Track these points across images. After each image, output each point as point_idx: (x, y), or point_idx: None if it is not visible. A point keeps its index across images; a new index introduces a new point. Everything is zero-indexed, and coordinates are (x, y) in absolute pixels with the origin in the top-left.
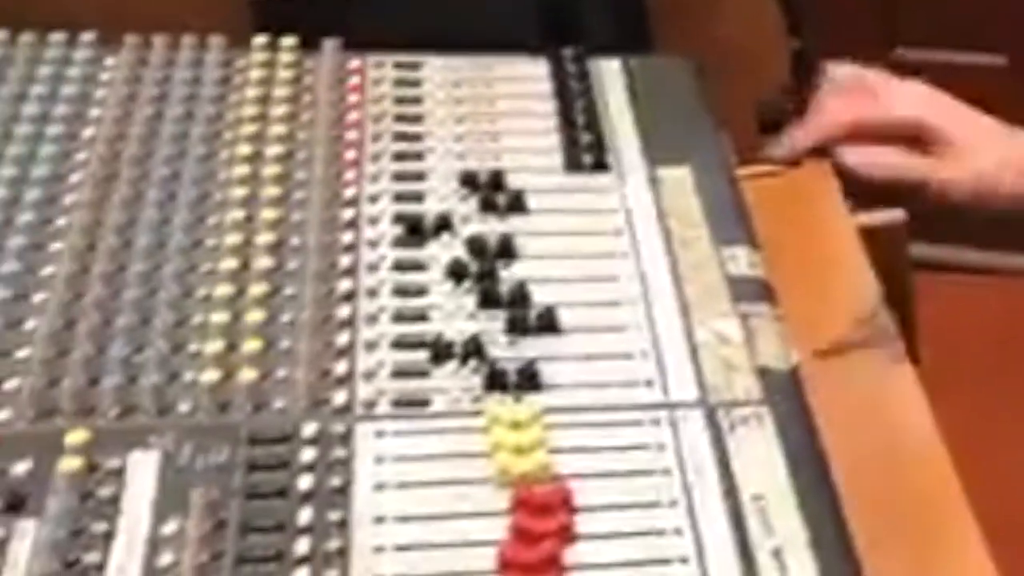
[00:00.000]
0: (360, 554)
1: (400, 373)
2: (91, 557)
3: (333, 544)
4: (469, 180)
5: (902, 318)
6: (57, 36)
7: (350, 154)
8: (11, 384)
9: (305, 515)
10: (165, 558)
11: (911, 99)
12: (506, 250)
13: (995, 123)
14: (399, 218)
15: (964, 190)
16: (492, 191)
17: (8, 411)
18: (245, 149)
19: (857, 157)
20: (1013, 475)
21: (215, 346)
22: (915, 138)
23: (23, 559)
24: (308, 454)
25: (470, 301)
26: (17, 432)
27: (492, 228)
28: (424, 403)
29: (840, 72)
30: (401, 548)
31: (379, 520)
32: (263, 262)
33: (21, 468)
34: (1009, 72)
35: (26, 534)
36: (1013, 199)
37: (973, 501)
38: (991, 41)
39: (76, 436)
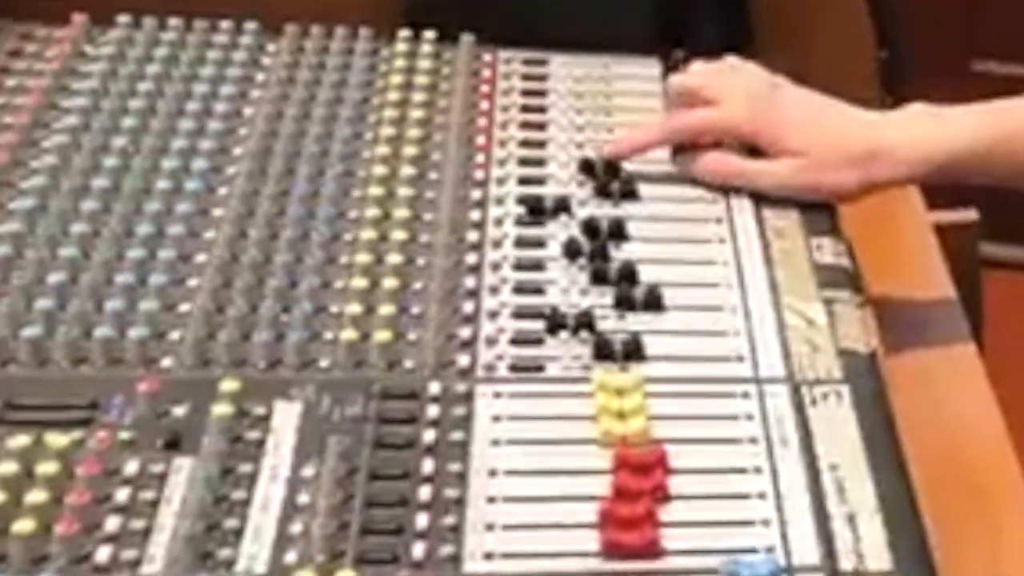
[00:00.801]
0: (475, 503)
1: (518, 340)
2: (238, 493)
3: (452, 493)
4: (587, 167)
5: (971, 312)
6: (225, 24)
7: (480, 139)
8: (174, 335)
9: (428, 465)
10: (303, 498)
11: (733, 109)
12: (617, 232)
13: (829, 120)
14: (522, 199)
15: (775, 183)
16: (607, 178)
17: (170, 359)
18: (387, 131)
19: (696, 165)
20: None
21: (354, 309)
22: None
23: (179, 492)
24: (433, 410)
25: (583, 278)
26: (177, 378)
27: (606, 212)
28: (538, 368)
29: (691, 80)
30: (512, 499)
31: (493, 473)
32: (399, 234)
33: (179, 411)
34: None
35: (182, 470)
36: (836, 192)
37: None
38: None
39: (229, 384)
